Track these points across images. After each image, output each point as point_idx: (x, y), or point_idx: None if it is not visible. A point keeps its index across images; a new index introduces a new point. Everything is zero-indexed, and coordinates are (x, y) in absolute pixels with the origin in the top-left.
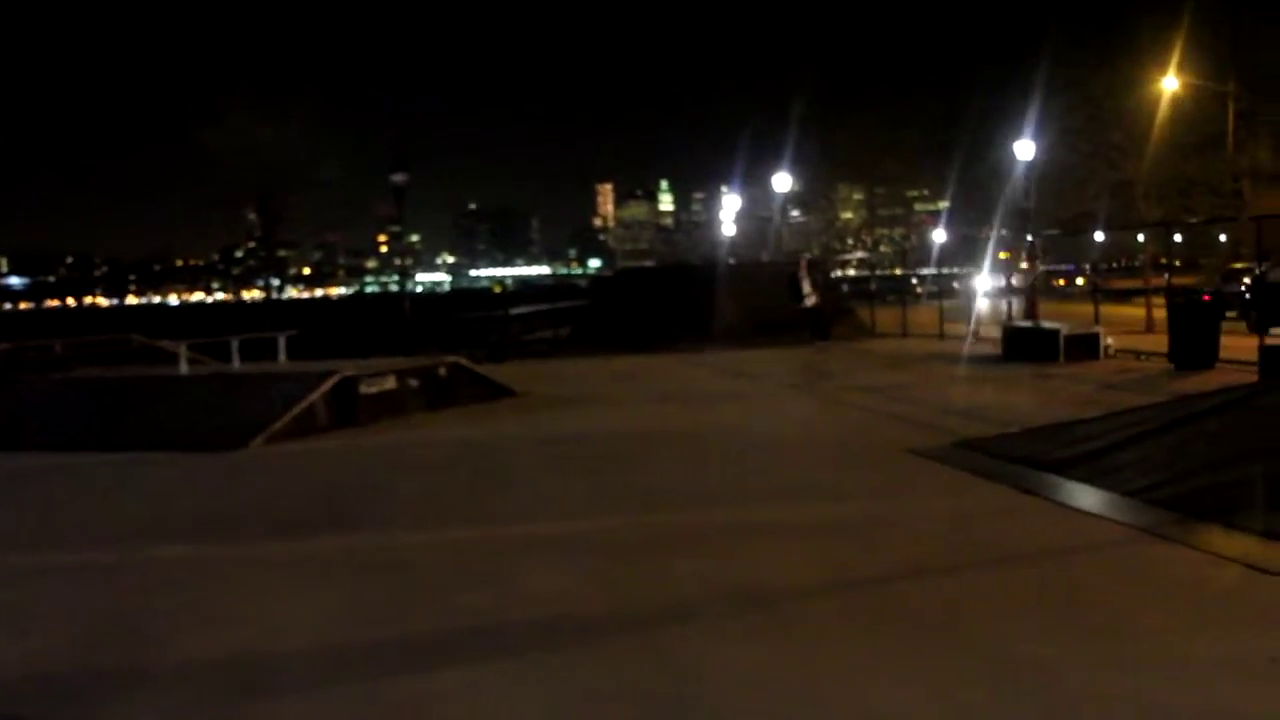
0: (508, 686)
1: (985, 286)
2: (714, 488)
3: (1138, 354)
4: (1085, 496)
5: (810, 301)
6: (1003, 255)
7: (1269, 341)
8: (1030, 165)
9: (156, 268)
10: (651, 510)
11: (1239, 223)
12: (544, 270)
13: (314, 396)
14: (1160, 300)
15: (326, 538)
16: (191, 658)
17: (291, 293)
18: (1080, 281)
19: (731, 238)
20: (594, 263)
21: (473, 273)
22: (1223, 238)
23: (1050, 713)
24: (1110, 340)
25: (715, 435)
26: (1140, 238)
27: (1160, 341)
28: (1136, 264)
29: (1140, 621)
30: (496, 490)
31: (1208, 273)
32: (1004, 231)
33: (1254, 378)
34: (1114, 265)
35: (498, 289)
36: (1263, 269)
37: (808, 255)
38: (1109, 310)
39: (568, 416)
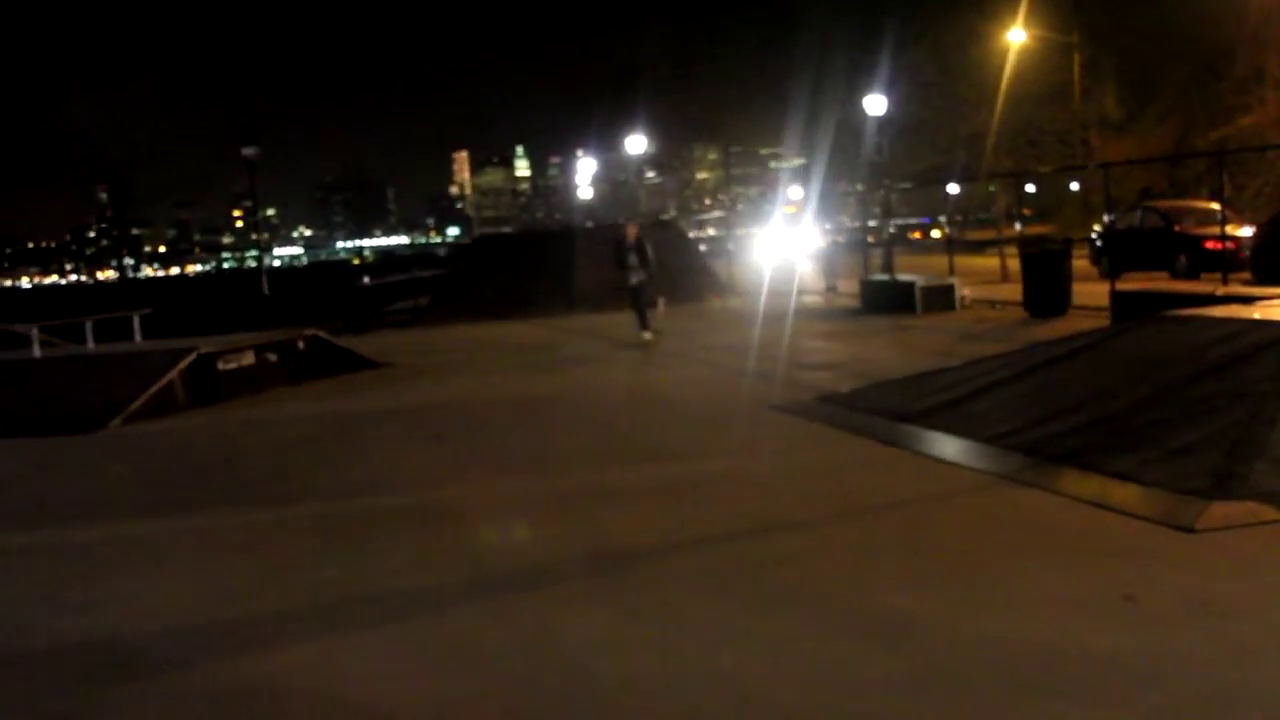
0: (358, 660)
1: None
2: (573, 451)
3: (993, 304)
4: (945, 445)
5: (634, 279)
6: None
7: (1119, 287)
8: (882, 120)
9: (7, 250)
10: (508, 475)
11: (1088, 171)
12: (403, 240)
13: (171, 375)
14: (1014, 251)
15: (181, 517)
16: (48, 643)
17: (147, 271)
18: (936, 234)
19: (589, 201)
20: (452, 231)
21: (333, 245)
22: (1074, 187)
23: (908, 660)
24: (966, 291)
25: (574, 399)
26: (992, 188)
27: (1015, 291)
28: (989, 215)
29: (996, 565)
30: (354, 462)
31: (1063, 222)
32: (859, 186)
33: (1106, 323)
34: (968, 217)
35: (357, 261)
36: (1113, 217)
37: (639, 221)
38: (965, 262)
39: (427, 387)
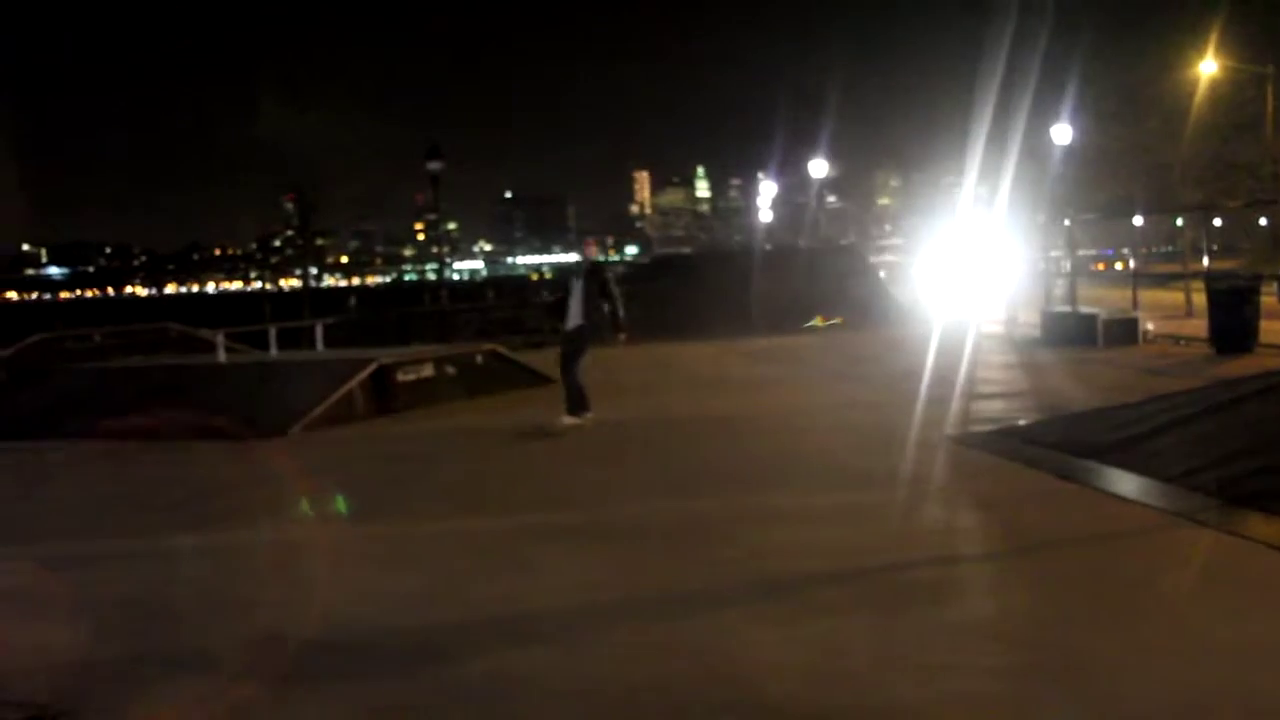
0: (537, 678)
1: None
2: (747, 474)
3: (1177, 339)
4: (1124, 482)
5: (572, 322)
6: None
7: None
8: (1065, 150)
9: (195, 257)
10: (684, 495)
11: (1279, 206)
12: (579, 257)
13: (352, 384)
14: (1200, 285)
15: (358, 525)
16: (223, 641)
17: (329, 281)
18: (1119, 267)
19: (768, 224)
20: (631, 249)
21: (510, 260)
22: (1263, 222)
23: (1080, 698)
24: (1150, 325)
25: (752, 422)
26: (1179, 222)
27: (1200, 326)
28: (1174, 248)
29: (1175, 608)
30: (529, 479)
31: (1252, 257)
32: (1041, 217)
33: None
34: (1152, 250)
35: (535, 276)
36: None
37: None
38: (1148, 295)
39: (604, 404)
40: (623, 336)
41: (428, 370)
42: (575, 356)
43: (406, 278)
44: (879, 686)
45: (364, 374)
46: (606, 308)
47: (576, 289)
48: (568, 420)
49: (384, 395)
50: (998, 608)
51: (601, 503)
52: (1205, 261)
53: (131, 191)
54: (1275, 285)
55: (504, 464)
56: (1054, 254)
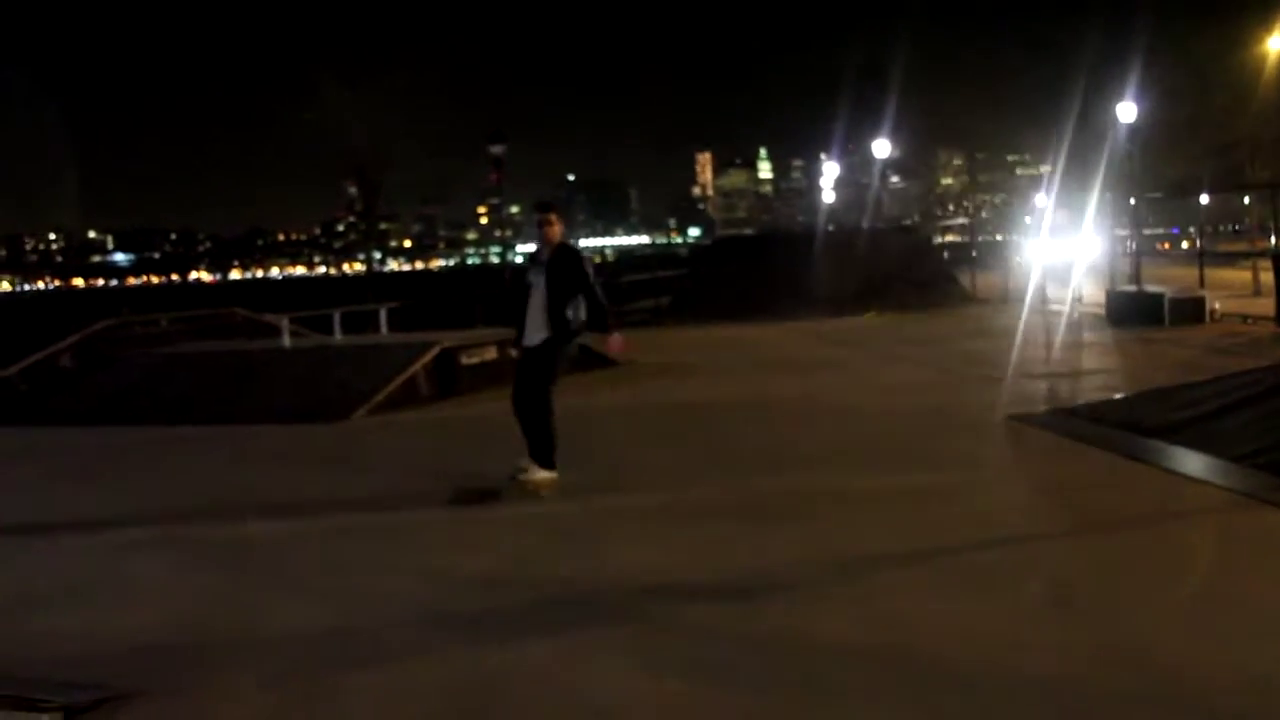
0: (603, 659)
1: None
2: (811, 455)
3: (1244, 318)
4: (1190, 462)
5: (536, 337)
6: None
7: None
8: (1131, 127)
9: (259, 242)
10: (749, 476)
11: None
12: (644, 240)
13: (415, 368)
14: (1267, 264)
15: (421, 510)
16: (281, 630)
17: (393, 265)
18: (1184, 245)
19: (831, 204)
20: (693, 232)
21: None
22: None
23: (1148, 677)
24: (1216, 304)
25: (816, 403)
26: (1245, 200)
27: (1267, 305)
28: (1241, 227)
29: (1241, 590)
30: (595, 460)
31: None
32: (1107, 195)
33: None
34: (1219, 228)
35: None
36: None
37: (557, 207)
38: (1214, 274)
39: (669, 386)
40: (616, 335)
41: (491, 353)
42: (540, 384)
43: (469, 261)
44: (947, 662)
45: (428, 357)
46: (582, 311)
47: (538, 288)
48: (539, 474)
49: (448, 379)
50: (1065, 587)
51: (674, 483)
52: (1272, 240)
53: (197, 177)
54: None
55: (567, 444)
56: (1119, 233)
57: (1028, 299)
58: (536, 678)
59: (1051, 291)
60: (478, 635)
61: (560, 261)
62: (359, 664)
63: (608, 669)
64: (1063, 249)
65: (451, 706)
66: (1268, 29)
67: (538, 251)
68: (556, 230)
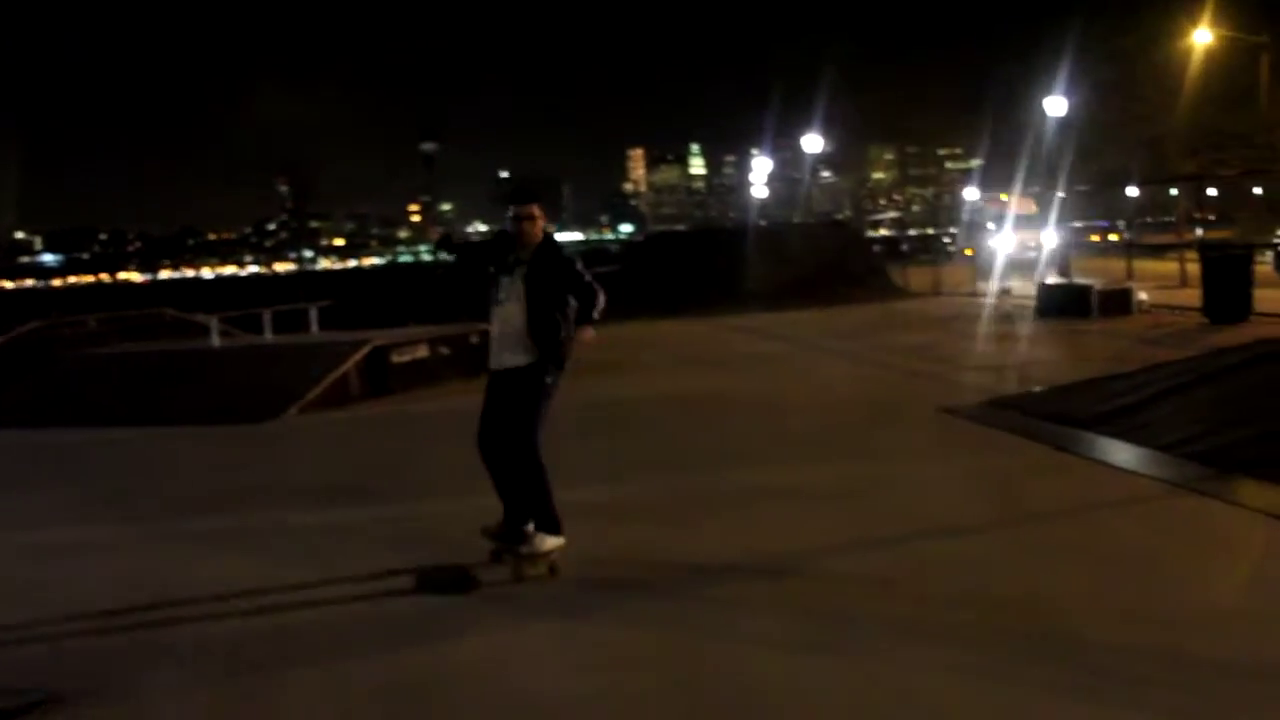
0: (531, 653)
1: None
2: (742, 450)
3: (1172, 309)
4: (1119, 452)
5: (511, 356)
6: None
7: None
8: (1060, 122)
9: (190, 242)
10: (677, 472)
11: (1273, 174)
12: (577, 236)
13: (346, 366)
14: (1194, 255)
15: (355, 508)
16: (223, 628)
17: (324, 264)
18: (1114, 238)
19: (762, 200)
20: (625, 228)
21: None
22: (1258, 191)
23: (1074, 665)
24: (1144, 295)
25: (747, 398)
26: (1173, 192)
27: (1194, 296)
28: (1172, 219)
29: (1170, 576)
30: None
31: (1245, 227)
32: (1036, 189)
33: None
34: (1148, 220)
35: None
36: None
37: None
38: (1143, 266)
39: (600, 382)
40: (590, 330)
41: (422, 351)
42: (519, 424)
43: (402, 259)
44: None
45: (359, 356)
46: (571, 323)
47: (512, 299)
48: (541, 542)
49: (380, 377)
50: (991, 579)
51: (602, 478)
52: (1198, 231)
53: (126, 177)
54: (1269, 254)
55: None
56: (1050, 225)
57: (963, 291)
58: (469, 675)
59: (986, 285)
60: (409, 634)
61: (543, 264)
62: (292, 662)
63: (542, 664)
64: (1023, 241)
65: (385, 704)
66: (1193, 22)
67: (504, 248)
68: (538, 228)
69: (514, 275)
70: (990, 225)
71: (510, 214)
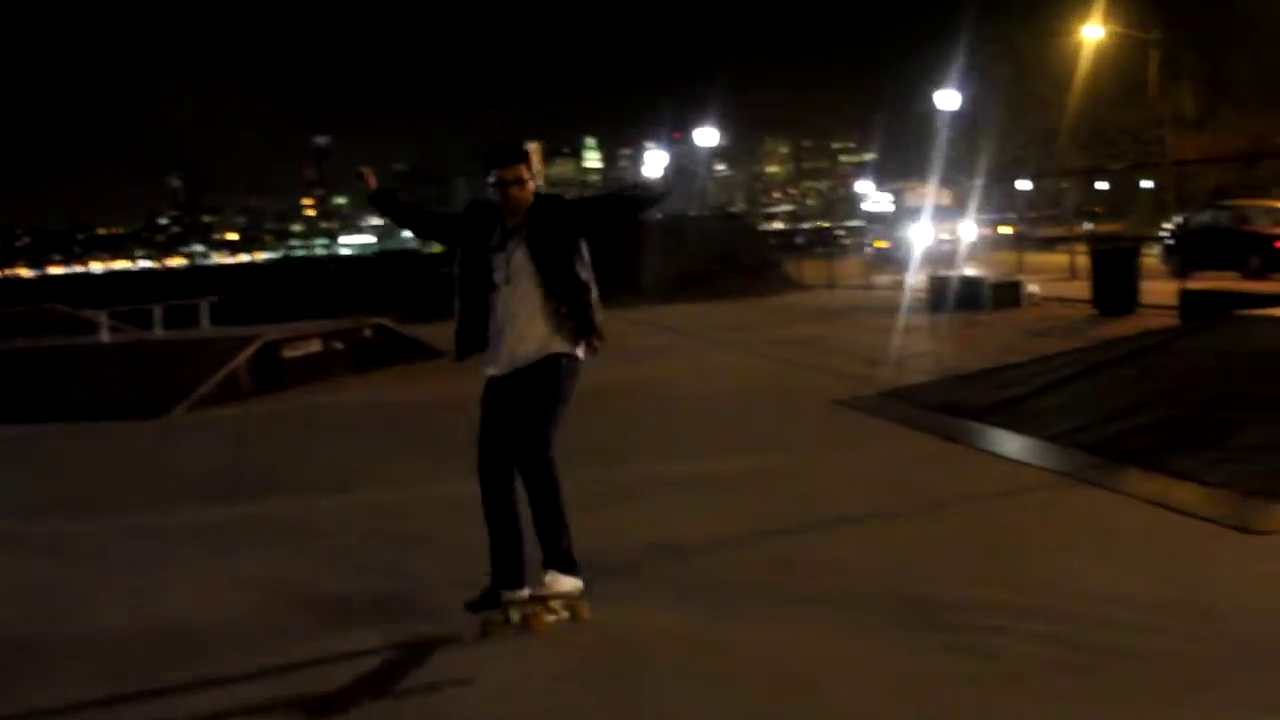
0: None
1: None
2: (638, 442)
3: (1062, 301)
4: (1009, 442)
5: (524, 350)
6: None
7: (1188, 286)
8: (955, 116)
9: (80, 237)
10: (572, 465)
11: (1160, 169)
12: None
13: (237, 362)
14: (1084, 248)
15: (244, 504)
16: (108, 627)
17: (216, 259)
18: (1009, 230)
19: None
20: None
21: (403, 234)
22: (1150, 184)
23: (959, 648)
24: (1035, 288)
25: (642, 390)
26: (1064, 185)
27: (1085, 288)
28: (1060, 212)
29: (1056, 563)
30: (413, 452)
31: (1134, 220)
32: (931, 182)
33: (1174, 322)
34: (1040, 214)
35: (437, 250)
36: (1185, 215)
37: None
38: (1035, 259)
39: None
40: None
41: (315, 346)
42: (536, 431)
43: (295, 253)
44: (746, 650)
45: (249, 351)
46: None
47: (519, 278)
48: (563, 583)
49: (271, 372)
50: (875, 569)
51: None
52: (1087, 225)
53: (14, 172)
54: (1158, 247)
55: (390, 433)
56: (945, 219)
57: (858, 284)
58: (361, 673)
59: (875, 276)
60: (300, 630)
61: (546, 216)
62: (174, 662)
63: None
64: (878, 235)
65: (278, 696)
66: (1083, 19)
67: (487, 222)
68: (529, 191)
69: (510, 248)
70: (904, 217)
71: (492, 180)
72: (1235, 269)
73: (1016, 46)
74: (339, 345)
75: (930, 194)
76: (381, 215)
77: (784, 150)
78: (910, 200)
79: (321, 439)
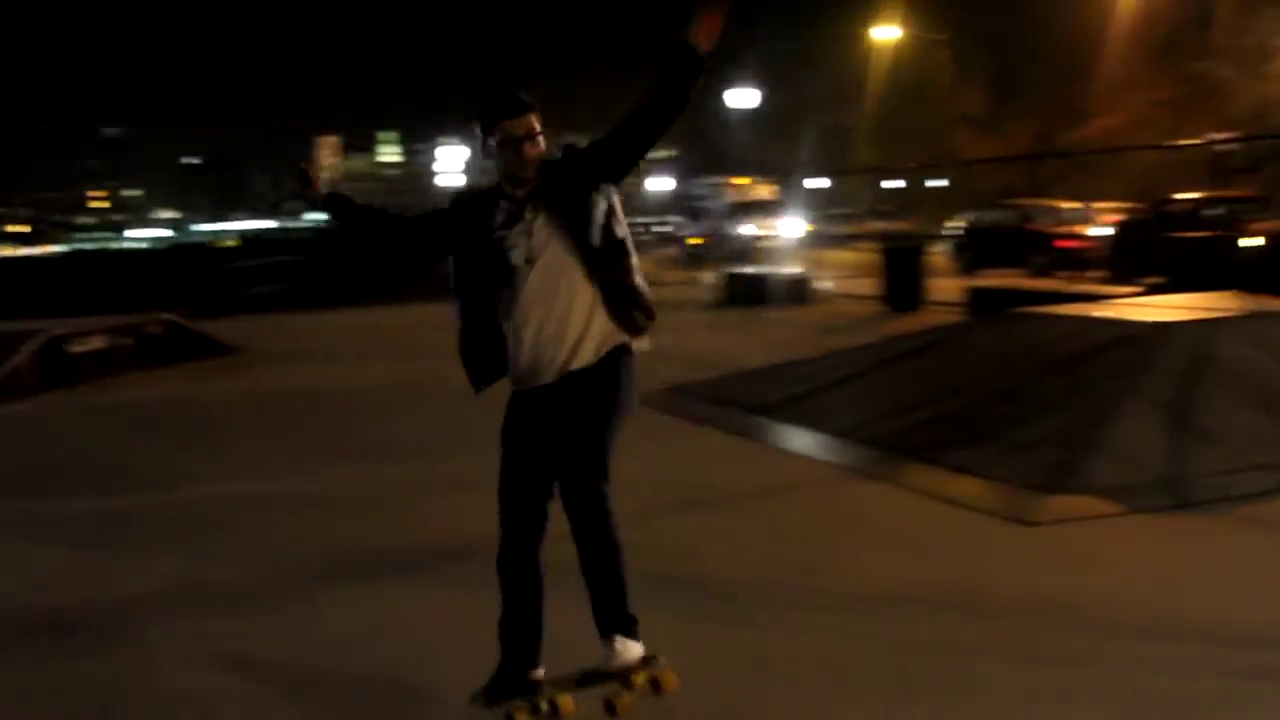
0: (206, 650)
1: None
2: (429, 441)
3: (853, 297)
4: (795, 438)
5: (584, 353)
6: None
7: (977, 283)
8: (748, 114)
9: None
10: (355, 464)
11: (948, 167)
12: (271, 224)
13: (18, 358)
14: (875, 245)
15: (14, 503)
16: None
17: (4, 251)
18: (807, 227)
19: (458, 188)
20: (319, 215)
21: (197, 227)
22: (945, 183)
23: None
24: (827, 284)
25: (429, 388)
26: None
27: (875, 285)
28: (854, 210)
29: (834, 558)
30: (201, 451)
31: (923, 217)
32: (727, 179)
33: (961, 318)
34: (833, 212)
35: (230, 244)
36: (975, 213)
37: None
38: (829, 256)
39: (283, 373)
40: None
41: (102, 341)
42: (594, 459)
43: (84, 247)
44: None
45: (33, 346)
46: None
47: (540, 245)
48: (633, 651)
49: (57, 368)
50: (653, 563)
51: (297, 469)
52: (876, 223)
53: None
54: (948, 245)
55: (173, 436)
56: (765, 215)
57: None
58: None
59: (665, 273)
60: (67, 633)
61: (565, 170)
62: None
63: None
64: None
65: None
66: (872, 19)
67: (485, 205)
68: (542, 146)
69: (529, 219)
70: (718, 213)
71: (496, 139)
72: (1021, 266)
73: (807, 44)
74: (128, 341)
75: (747, 190)
76: (334, 221)
77: (570, 142)
78: (728, 196)
79: (100, 437)
